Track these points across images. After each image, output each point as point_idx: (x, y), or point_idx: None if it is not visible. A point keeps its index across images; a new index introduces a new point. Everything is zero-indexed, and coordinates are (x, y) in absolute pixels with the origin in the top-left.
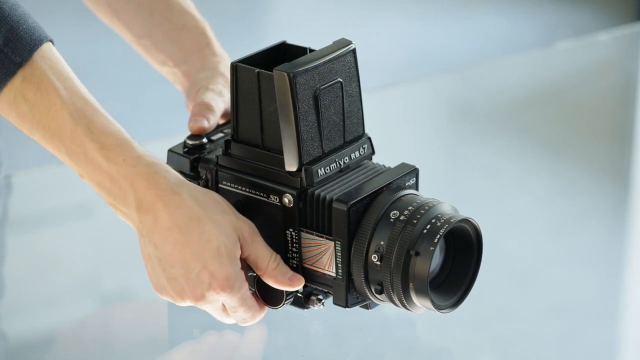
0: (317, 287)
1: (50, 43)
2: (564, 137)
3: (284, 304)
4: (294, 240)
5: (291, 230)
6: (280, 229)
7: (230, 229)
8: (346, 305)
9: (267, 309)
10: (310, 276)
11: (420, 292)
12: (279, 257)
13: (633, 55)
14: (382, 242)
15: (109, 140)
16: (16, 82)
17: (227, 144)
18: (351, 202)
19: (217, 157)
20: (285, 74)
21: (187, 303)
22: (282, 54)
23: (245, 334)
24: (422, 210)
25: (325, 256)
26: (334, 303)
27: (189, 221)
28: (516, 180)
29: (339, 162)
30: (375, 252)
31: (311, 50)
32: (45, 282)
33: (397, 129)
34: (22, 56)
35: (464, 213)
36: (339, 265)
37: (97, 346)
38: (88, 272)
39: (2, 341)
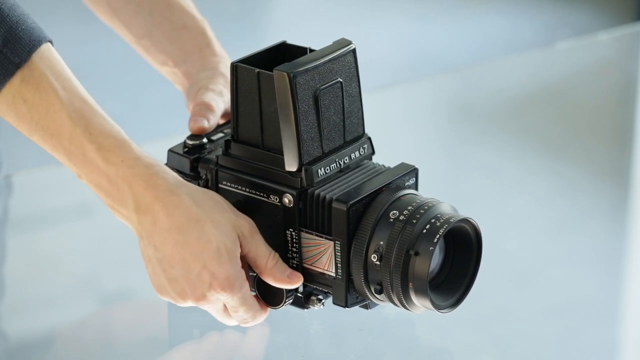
0: (317, 287)
1: (49, 44)
2: (564, 137)
3: (284, 304)
4: (294, 240)
5: (291, 230)
6: (281, 229)
7: (229, 227)
8: (346, 305)
9: (270, 311)
10: (310, 276)
11: (420, 292)
12: (277, 255)
13: (633, 55)
14: (381, 242)
15: (107, 141)
16: (15, 83)
17: (227, 144)
18: (351, 202)
19: (217, 157)
20: (285, 74)
21: (189, 303)
22: (282, 54)
23: (245, 334)
24: (422, 210)
25: (324, 256)
26: (334, 303)
27: (188, 222)
28: (516, 180)
29: (339, 162)
30: (375, 252)
31: (311, 50)
32: (45, 282)
33: (397, 129)
34: (21, 57)
35: (463, 213)
36: (339, 265)
37: (97, 346)
38: (88, 272)
39: (2, 341)
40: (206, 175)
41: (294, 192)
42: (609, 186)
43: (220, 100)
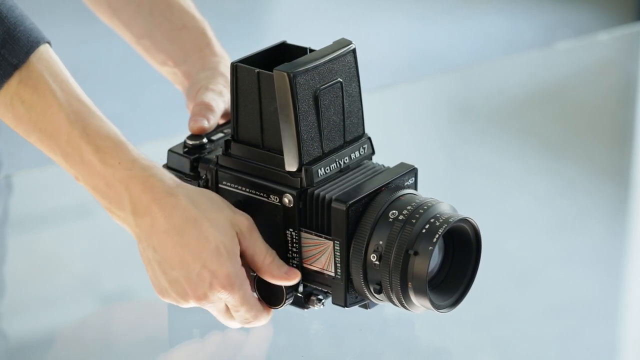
0: (317, 287)
1: (47, 45)
2: (564, 137)
3: (284, 304)
4: (294, 240)
5: (291, 230)
6: (280, 229)
7: (227, 226)
8: (345, 305)
9: (272, 312)
10: (310, 276)
11: (419, 291)
12: (274, 252)
13: (633, 55)
14: (381, 242)
15: (104, 143)
16: (13, 84)
17: (227, 144)
18: (350, 202)
19: (217, 157)
20: (285, 74)
21: (191, 304)
22: (282, 54)
23: (245, 334)
24: (421, 210)
25: (324, 256)
26: (333, 303)
27: (185, 222)
28: (516, 180)
29: (339, 162)
30: (374, 251)
31: (311, 50)
32: (45, 282)
33: (397, 129)
34: (19, 58)
35: (463, 213)
36: (338, 265)
37: (97, 346)
38: (88, 272)
39: (2, 341)
40: (206, 175)
41: (294, 192)
42: (609, 186)
43: (220, 100)
